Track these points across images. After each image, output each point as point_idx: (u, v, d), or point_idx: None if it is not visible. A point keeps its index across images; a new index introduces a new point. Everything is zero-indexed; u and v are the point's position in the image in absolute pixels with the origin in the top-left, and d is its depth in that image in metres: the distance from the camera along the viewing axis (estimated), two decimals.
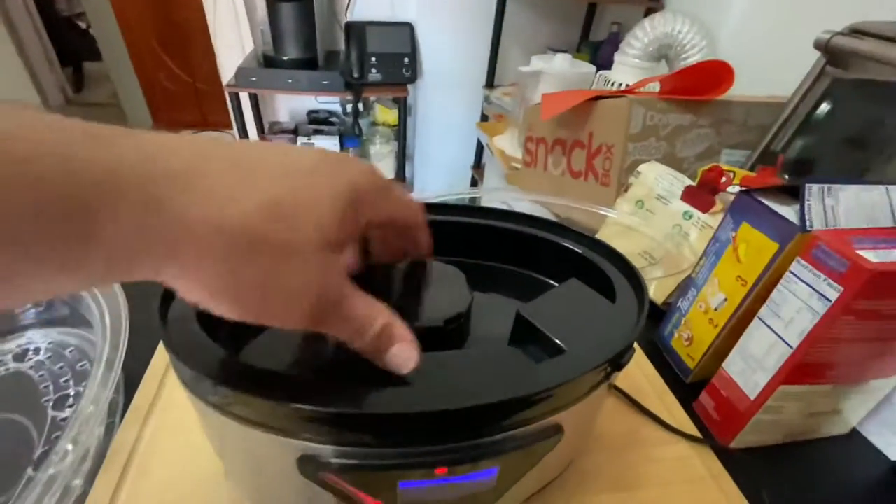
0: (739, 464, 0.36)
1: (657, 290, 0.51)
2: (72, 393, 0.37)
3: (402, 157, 1.67)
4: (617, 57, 1.09)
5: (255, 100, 1.61)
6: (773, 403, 0.35)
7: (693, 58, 1.02)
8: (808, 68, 0.55)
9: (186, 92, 2.27)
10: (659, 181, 0.55)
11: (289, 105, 1.72)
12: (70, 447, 0.31)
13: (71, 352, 0.40)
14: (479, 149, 1.78)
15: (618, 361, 0.23)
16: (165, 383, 0.36)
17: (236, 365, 0.21)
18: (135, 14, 2.06)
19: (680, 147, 0.62)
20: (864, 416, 0.40)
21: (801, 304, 0.31)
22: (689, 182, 0.53)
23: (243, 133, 1.48)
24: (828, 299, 0.29)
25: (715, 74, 0.59)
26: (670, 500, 0.32)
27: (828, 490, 0.36)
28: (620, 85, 1.01)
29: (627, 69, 1.05)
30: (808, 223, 0.32)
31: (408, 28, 1.56)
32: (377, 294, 0.20)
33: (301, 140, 1.55)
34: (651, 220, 0.54)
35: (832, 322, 0.30)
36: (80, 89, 2.98)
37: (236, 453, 0.25)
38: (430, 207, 0.33)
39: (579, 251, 0.31)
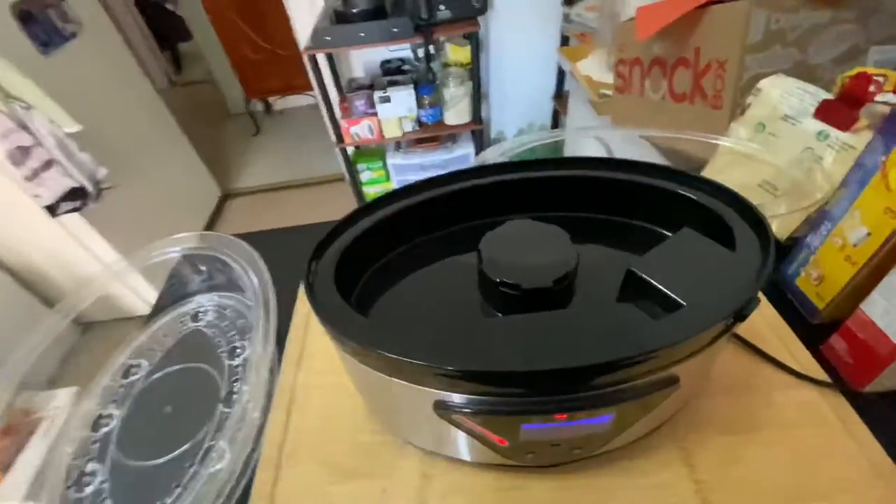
0: (874, 409, 0.33)
1: (781, 225, 0.46)
2: (237, 345, 0.45)
3: (478, 98, 1.61)
4: None
5: (330, 59, 1.64)
6: None
7: None
8: None
9: (269, 60, 2.37)
10: (785, 98, 0.47)
11: (362, 59, 1.73)
12: (246, 388, 0.38)
13: (230, 312, 0.48)
14: (561, 77, 1.65)
15: (741, 314, 0.22)
16: (307, 334, 0.43)
17: (376, 327, 0.25)
18: None
19: (814, 52, 0.52)
20: None
21: None
22: (825, 95, 0.45)
23: (324, 94, 1.53)
24: None
25: None
26: (793, 443, 0.32)
27: None
28: None
29: None
30: None
31: None
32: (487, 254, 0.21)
33: (377, 94, 1.56)
34: (775, 144, 0.48)
35: None
36: (179, 70, 3.27)
37: (377, 395, 0.30)
38: (529, 165, 0.33)
39: (692, 196, 0.29)
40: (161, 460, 0.37)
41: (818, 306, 0.40)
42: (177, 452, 0.37)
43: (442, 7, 1.45)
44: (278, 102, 2.73)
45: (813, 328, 0.40)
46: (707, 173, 0.54)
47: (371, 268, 0.32)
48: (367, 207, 0.32)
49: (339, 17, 1.44)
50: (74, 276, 1.47)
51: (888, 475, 0.30)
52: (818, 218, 0.39)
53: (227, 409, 0.39)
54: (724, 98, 0.55)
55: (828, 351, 0.38)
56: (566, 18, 1.46)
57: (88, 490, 0.37)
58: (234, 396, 0.40)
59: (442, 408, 0.24)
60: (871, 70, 0.44)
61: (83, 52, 1.43)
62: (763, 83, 0.49)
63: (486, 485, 0.31)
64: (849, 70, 0.46)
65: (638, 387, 0.23)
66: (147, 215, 1.59)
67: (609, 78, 1.05)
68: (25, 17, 1.15)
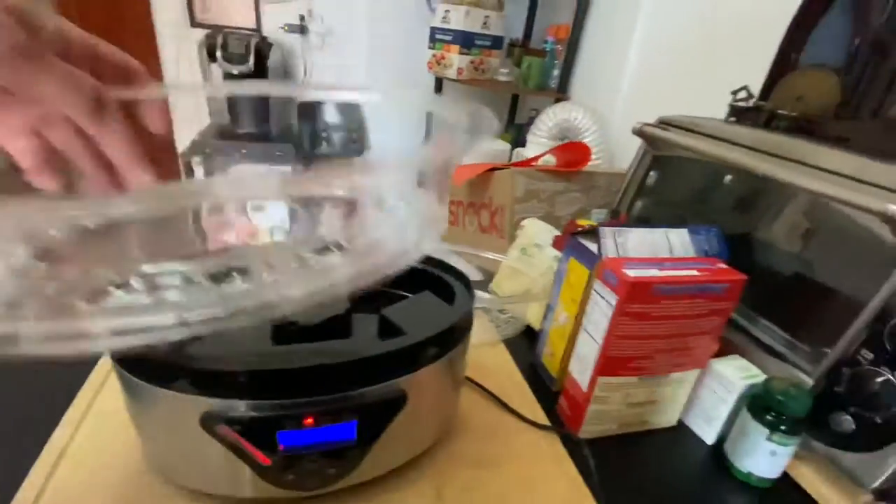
0: (586, 449, 0.44)
1: (534, 317, 0.63)
2: None
3: None
4: (529, 136, 1.30)
5: (209, 168, 1.71)
6: (599, 393, 0.45)
7: (588, 138, 1.24)
8: None
9: None
10: (538, 233, 0.68)
11: (243, 174, 1.83)
12: None
13: None
14: None
15: (445, 339, 0.33)
16: (100, 394, 0.42)
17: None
18: None
19: (558, 207, 0.77)
20: (687, 409, 0.51)
21: (600, 311, 0.43)
22: (557, 232, 0.67)
23: None
24: (612, 305, 0.41)
25: (579, 152, 0.77)
26: (520, 471, 0.41)
27: (657, 469, 0.46)
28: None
29: (536, 146, 1.25)
30: (602, 254, 0.45)
31: (357, 108, 1.75)
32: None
33: (252, 202, 1.64)
34: (532, 262, 0.67)
35: (617, 322, 0.41)
36: None
37: (151, 420, 0.32)
38: None
39: (435, 272, 0.42)
40: None
41: (554, 376, 0.54)
42: None
43: (325, 143, 1.69)
44: None
45: (555, 395, 0.53)
46: (494, 281, 0.71)
47: None
48: None
49: (224, 134, 1.57)
50: None
51: (580, 489, 0.40)
52: (548, 309, 0.56)
53: None
54: (506, 231, 0.75)
55: (559, 409, 0.51)
56: None
57: None
58: None
59: (208, 420, 0.29)
60: (579, 221, 0.67)
61: None
62: (524, 222, 0.70)
63: None
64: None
65: (370, 394, 0.31)
66: None
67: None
68: None
